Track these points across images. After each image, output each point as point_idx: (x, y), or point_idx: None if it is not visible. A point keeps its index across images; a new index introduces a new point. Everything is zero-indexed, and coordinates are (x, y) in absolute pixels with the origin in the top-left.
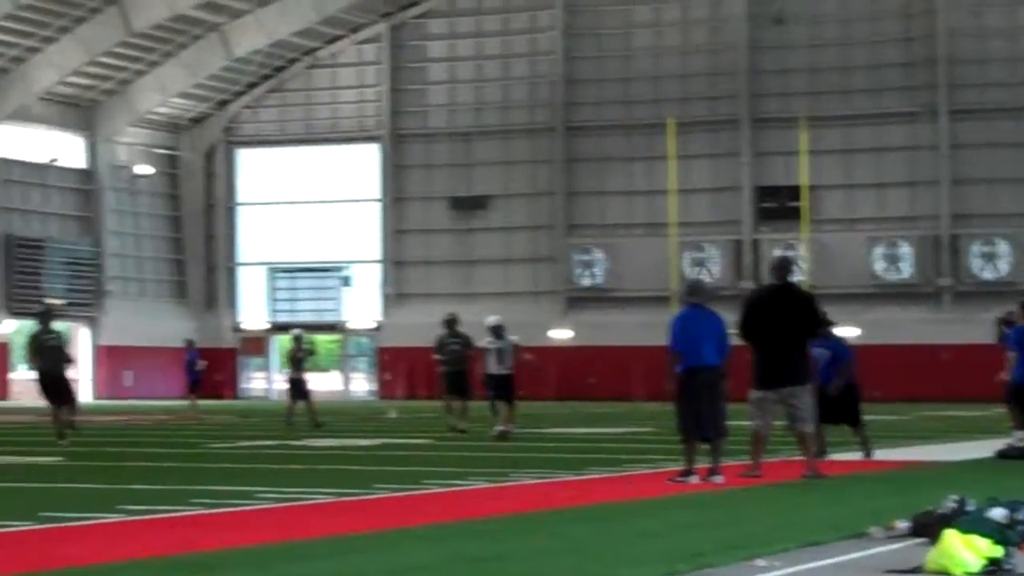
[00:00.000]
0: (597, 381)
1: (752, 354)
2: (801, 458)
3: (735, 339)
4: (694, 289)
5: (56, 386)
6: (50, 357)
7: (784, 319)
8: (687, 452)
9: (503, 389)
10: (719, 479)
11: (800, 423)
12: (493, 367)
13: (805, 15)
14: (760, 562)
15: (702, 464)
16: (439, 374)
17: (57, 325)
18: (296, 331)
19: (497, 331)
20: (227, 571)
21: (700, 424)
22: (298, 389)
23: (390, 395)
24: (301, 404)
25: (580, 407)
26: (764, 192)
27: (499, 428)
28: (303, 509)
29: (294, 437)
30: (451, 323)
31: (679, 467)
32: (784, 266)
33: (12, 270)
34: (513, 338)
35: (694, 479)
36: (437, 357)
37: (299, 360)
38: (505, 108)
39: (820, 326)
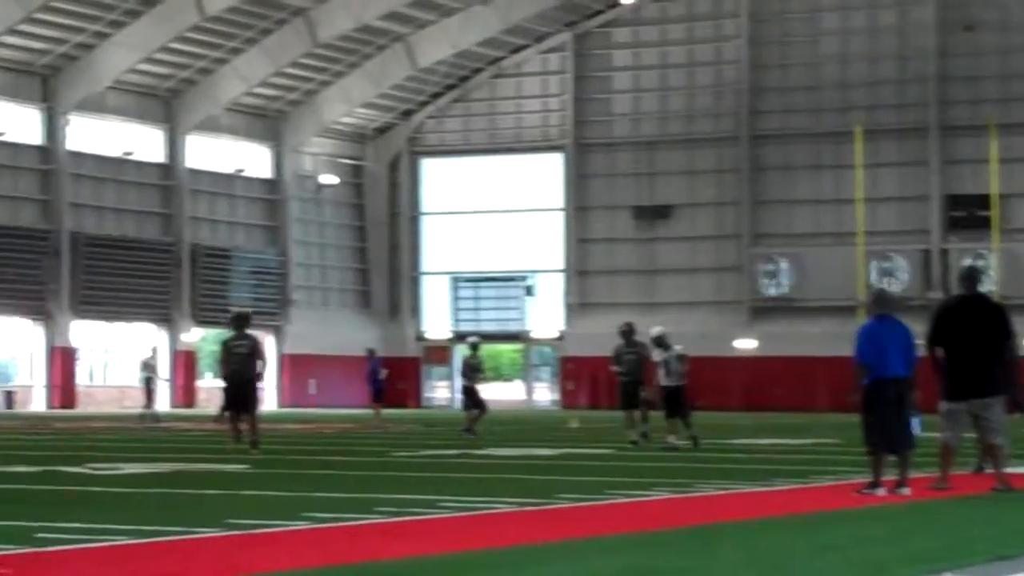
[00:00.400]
0: (781, 391)
1: (942, 366)
2: (991, 471)
3: (922, 350)
4: (880, 300)
5: (240, 393)
6: (238, 364)
7: (975, 330)
8: (874, 464)
9: (672, 402)
10: (906, 491)
11: (990, 435)
12: (663, 379)
13: (994, 21)
14: (949, 575)
15: (889, 476)
16: (616, 384)
17: (250, 332)
18: (472, 339)
19: (660, 342)
20: None
21: (887, 436)
22: (473, 398)
23: (572, 405)
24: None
25: (764, 417)
26: (953, 201)
27: (670, 439)
28: (485, 518)
29: (475, 446)
30: (627, 333)
31: (865, 479)
32: (973, 276)
33: (199, 279)
34: (678, 348)
35: (881, 491)
36: (614, 368)
37: (475, 368)
38: (690, 117)
39: (1011, 337)
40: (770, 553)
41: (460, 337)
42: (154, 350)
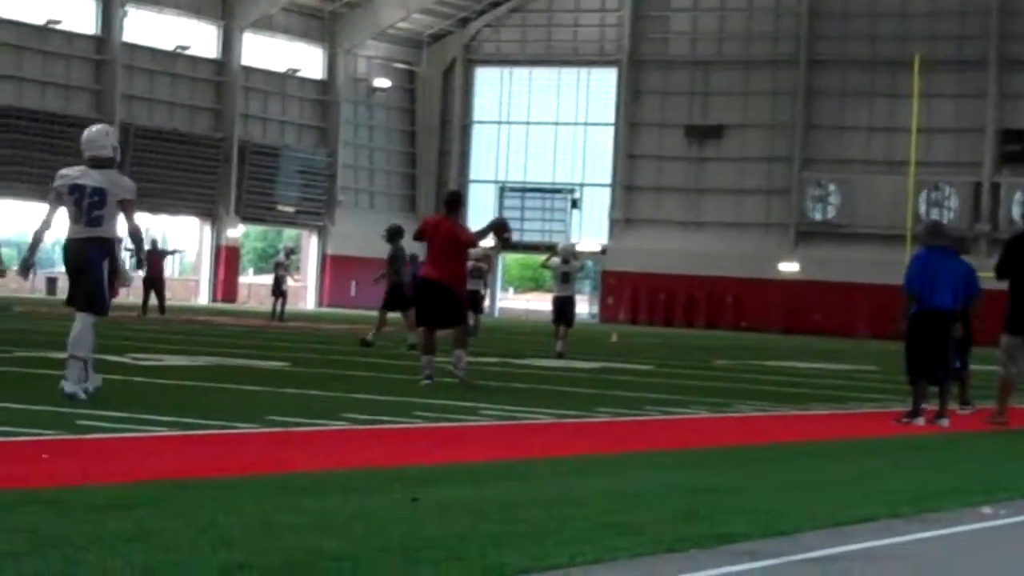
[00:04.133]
0: (822, 316)
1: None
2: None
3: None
4: (935, 231)
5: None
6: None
7: None
8: (914, 394)
9: (560, 311)
10: (945, 422)
11: None
12: (556, 288)
13: None
14: (986, 510)
15: (929, 406)
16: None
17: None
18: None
19: (568, 254)
20: (447, 486)
21: (929, 366)
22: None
23: (612, 319)
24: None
25: (803, 341)
26: (1008, 135)
27: (559, 345)
28: (525, 428)
29: (517, 355)
30: (394, 234)
31: (905, 408)
32: None
33: (247, 176)
34: (578, 263)
35: (920, 421)
36: (377, 276)
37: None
38: (747, 39)
39: None
40: (808, 477)
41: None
42: (287, 251)
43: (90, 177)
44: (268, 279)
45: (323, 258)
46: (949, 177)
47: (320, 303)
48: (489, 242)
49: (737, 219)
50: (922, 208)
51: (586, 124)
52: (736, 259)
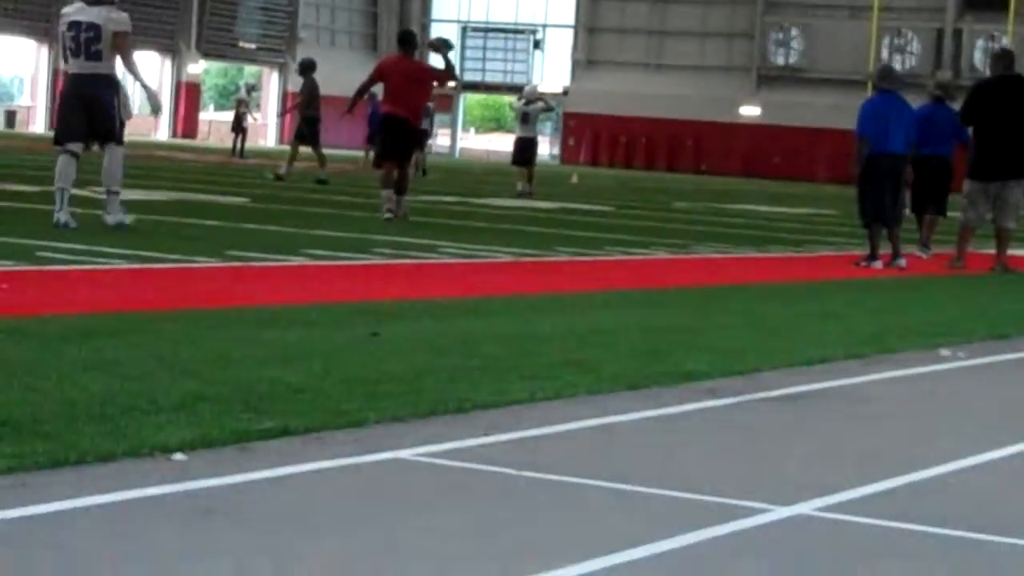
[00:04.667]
0: (782, 160)
1: (971, 145)
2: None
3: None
4: (886, 74)
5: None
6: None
7: (1009, 111)
8: (870, 237)
9: (521, 151)
10: (902, 262)
11: (1006, 218)
12: (518, 130)
13: None
14: (944, 351)
15: (885, 250)
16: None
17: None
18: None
19: (530, 96)
20: (407, 321)
21: (881, 210)
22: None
23: (573, 160)
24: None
25: (764, 185)
26: None
27: (519, 186)
28: (484, 266)
29: (478, 195)
30: (307, 68)
31: (863, 251)
32: (1009, 57)
33: (208, 11)
34: (540, 104)
35: (877, 264)
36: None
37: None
38: None
39: None
40: (767, 317)
41: (466, 87)
42: (248, 88)
43: (85, 13)
44: (229, 116)
45: (284, 95)
46: (912, 23)
47: (281, 140)
48: (440, 63)
49: (699, 62)
50: (884, 54)
51: None
52: (698, 102)
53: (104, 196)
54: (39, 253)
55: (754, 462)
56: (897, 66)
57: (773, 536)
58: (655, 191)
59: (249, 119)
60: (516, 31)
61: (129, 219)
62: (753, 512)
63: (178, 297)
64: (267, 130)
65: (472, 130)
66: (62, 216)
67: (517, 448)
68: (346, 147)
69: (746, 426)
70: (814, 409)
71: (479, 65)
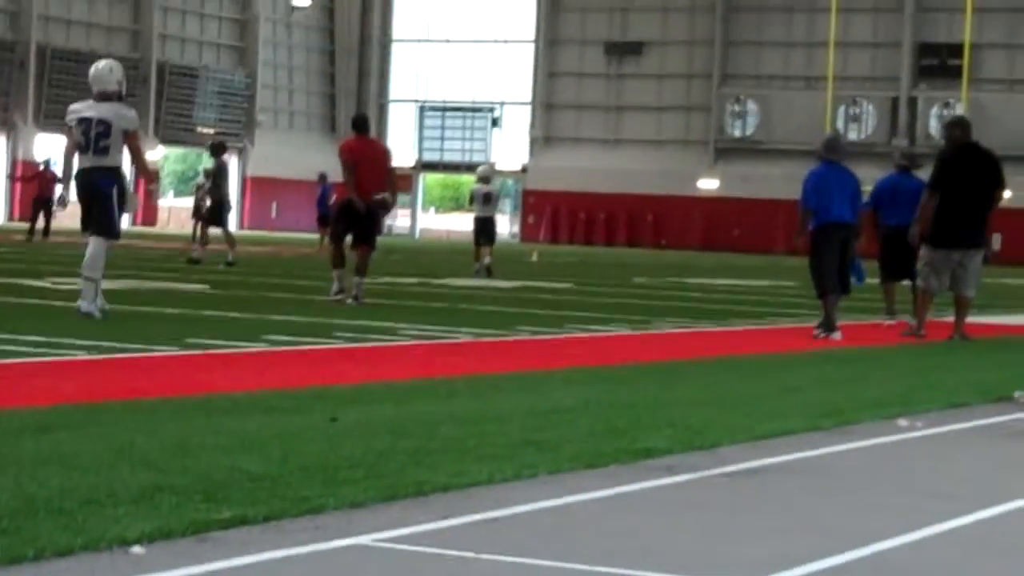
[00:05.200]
0: (741, 233)
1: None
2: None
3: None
4: (831, 146)
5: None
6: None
7: (973, 179)
8: (827, 307)
9: (481, 231)
10: (837, 336)
11: (966, 286)
12: (477, 210)
13: None
14: (902, 421)
15: (841, 321)
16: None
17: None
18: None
19: (483, 176)
20: (367, 405)
21: (836, 279)
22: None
23: (533, 238)
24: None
25: (723, 258)
26: (925, 49)
27: (476, 265)
28: (445, 347)
29: (438, 275)
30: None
31: (817, 322)
32: (966, 124)
33: (165, 98)
34: (493, 186)
35: (837, 335)
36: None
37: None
38: None
39: (1003, 188)
40: (727, 391)
41: (425, 166)
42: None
43: (96, 110)
44: (188, 202)
45: (243, 179)
46: (867, 92)
47: (241, 225)
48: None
49: (657, 136)
50: (840, 123)
51: (506, 42)
52: (656, 176)
53: (82, 284)
54: None
55: (712, 538)
56: (853, 135)
57: None
58: (615, 267)
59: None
60: (474, 109)
61: (106, 306)
62: None
63: (137, 387)
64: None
65: (432, 210)
66: (84, 305)
67: (476, 531)
68: (308, 230)
69: (704, 502)
70: (773, 483)
71: (437, 145)
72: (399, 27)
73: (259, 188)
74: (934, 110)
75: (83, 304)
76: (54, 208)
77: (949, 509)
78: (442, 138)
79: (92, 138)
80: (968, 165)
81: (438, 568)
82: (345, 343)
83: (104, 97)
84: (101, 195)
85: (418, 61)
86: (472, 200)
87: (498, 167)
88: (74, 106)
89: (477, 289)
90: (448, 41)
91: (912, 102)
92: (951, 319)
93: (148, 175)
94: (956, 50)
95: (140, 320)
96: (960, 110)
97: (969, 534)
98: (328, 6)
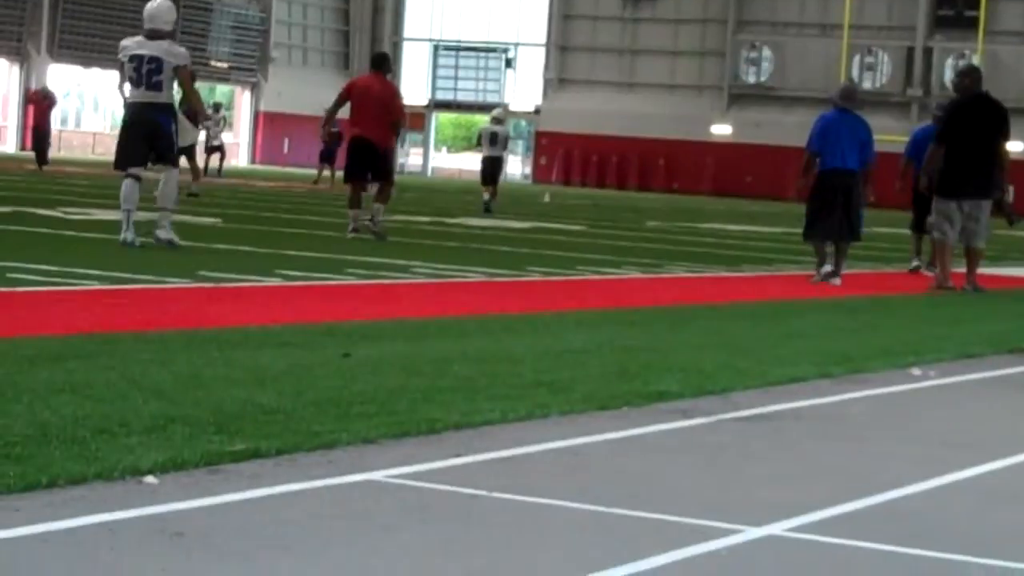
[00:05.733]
0: (753, 179)
1: (942, 163)
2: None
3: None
4: (846, 94)
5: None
6: None
7: (981, 129)
8: (817, 252)
9: (488, 169)
10: (836, 282)
11: (976, 237)
12: (486, 149)
13: None
14: (915, 371)
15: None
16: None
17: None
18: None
19: (497, 119)
20: (379, 342)
21: (828, 226)
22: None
23: (545, 179)
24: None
25: (735, 204)
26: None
27: (485, 196)
28: (457, 286)
29: (451, 215)
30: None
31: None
32: (978, 74)
33: (180, 30)
34: (501, 128)
35: (835, 280)
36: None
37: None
38: None
39: (1008, 139)
40: (739, 337)
41: (438, 105)
42: (215, 107)
43: (147, 47)
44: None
45: (256, 115)
46: (882, 41)
47: (253, 160)
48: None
49: (670, 81)
50: (855, 72)
51: None
52: (669, 121)
53: (157, 215)
54: (10, 275)
55: (725, 483)
56: (868, 84)
57: (744, 556)
58: (627, 210)
59: (220, 139)
60: (488, 49)
61: (176, 240)
62: (725, 533)
63: (150, 319)
64: (239, 149)
65: (444, 149)
66: (129, 235)
67: (488, 469)
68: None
69: (717, 446)
70: (785, 429)
71: (451, 84)
72: None
73: (271, 123)
74: (949, 60)
75: (161, 232)
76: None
77: (962, 458)
78: (456, 77)
79: (144, 73)
80: (975, 115)
81: (450, 504)
82: (357, 279)
83: (156, 35)
84: (162, 129)
85: (433, 0)
86: (479, 140)
87: (512, 108)
88: (126, 42)
89: (490, 229)
90: None
91: (927, 52)
92: (963, 270)
93: (201, 111)
94: (973, 1)
95: (152, 252)
96: (975, 61)
97: (982, 483)
98: None
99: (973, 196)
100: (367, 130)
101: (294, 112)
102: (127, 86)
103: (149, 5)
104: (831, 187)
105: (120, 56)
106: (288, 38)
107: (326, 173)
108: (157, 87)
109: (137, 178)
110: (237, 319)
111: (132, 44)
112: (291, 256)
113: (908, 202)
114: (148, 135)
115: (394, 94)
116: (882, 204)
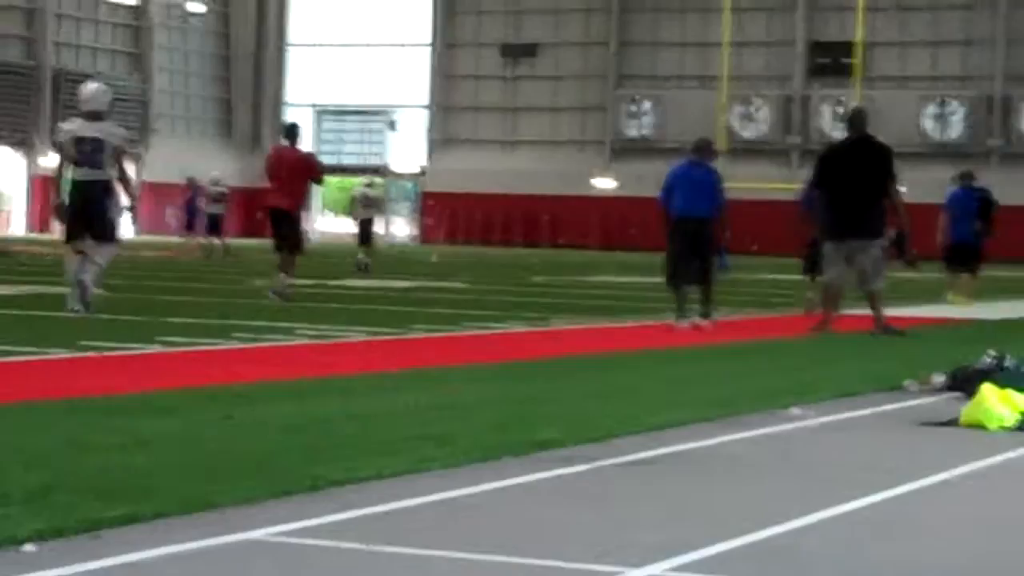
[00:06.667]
0: (638, 231)
1: (823, 207)
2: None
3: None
4: (699, 147)
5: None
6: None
7: (858, 171)
8: (676, 298)
9: (364, 231)
10: (708, 324)
11: (869, 282)
12: (360, 212)
13: None
14: (795, 410)
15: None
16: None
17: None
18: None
19: (369, 183)
20: (266, 403)
21: (684, 271)
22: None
23: (432, 239)
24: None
25: (620, 256)
26: (817, 48)
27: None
28: (341, 346)
29: (335, 277)
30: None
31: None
32: (861, 117)
33: (61, 104)
34: (368, 188)
35: (684, 323)
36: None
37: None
38: None
39: (893, 178)
40: (622, 385)
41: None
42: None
43: (88, 129)
44: None
45: (140, 186)
46: (760, 90)
47: (139, 231)
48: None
49: (553, 137)
50: (734, 122)
51: (402, 46)
52: (553, 177)
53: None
54: None
55: (606, 526)
56: (747, 134)
57: None
58: (513, 267)
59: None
60: (371, 112)
61: (95, 290)
62: None
63: (31, 388)
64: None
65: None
66: (84, 277)
67: (369, 523)
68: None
69: (599, 492)
70: (667, 472)
71: (335, 148)
72: (295, 31)
73: (156, 193)
74: (826, 108)
75: (84, 276)
76: None
77: (840, 493)
78: (340, 142)
79: (88, 153)
80: (854, 157)
81: (333, 560)
82: (242, 343)
83: (95, 116)
84: (100, 207)
85: (315, 65)
86: (353, 203)
87: (397, 170)
88: (65, 125)
89: (373, 289)
90: (345, 45)
91: (805, 100)
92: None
93: (132, 190)
94: (848, 48)
95: (36, 324)
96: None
97: (860, 517)
98: (224, 12)
99: (857, 237)
100: (279, 200)
101: (179, 182)
102: (70, 166)
103: (86, 88)
104: (683, 233)
105: (60, 138)
106: (171, 108)
107: (205, 240)
108: (98, 165)
109: (83, 252)
110: (119, 387)
111: (73, 127)
112: (176, 323)
113: (801, 247)
114: (88, 214)
115: (307, 157)
116: (768, 251)
